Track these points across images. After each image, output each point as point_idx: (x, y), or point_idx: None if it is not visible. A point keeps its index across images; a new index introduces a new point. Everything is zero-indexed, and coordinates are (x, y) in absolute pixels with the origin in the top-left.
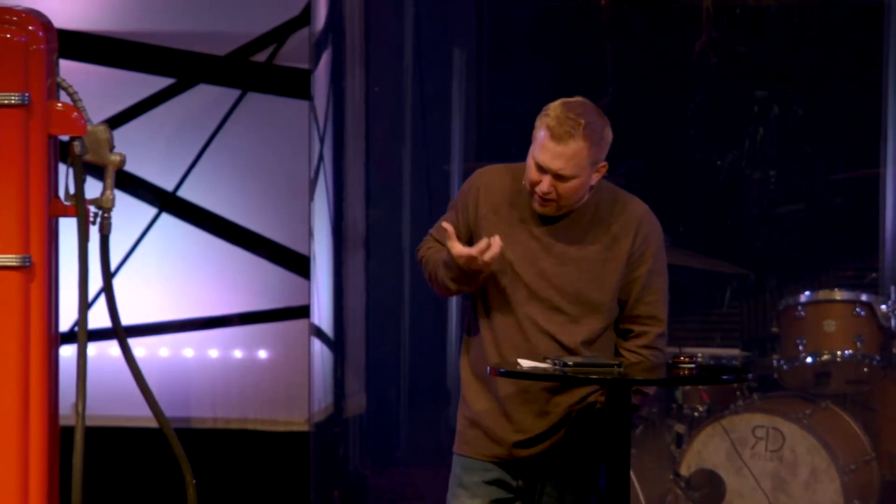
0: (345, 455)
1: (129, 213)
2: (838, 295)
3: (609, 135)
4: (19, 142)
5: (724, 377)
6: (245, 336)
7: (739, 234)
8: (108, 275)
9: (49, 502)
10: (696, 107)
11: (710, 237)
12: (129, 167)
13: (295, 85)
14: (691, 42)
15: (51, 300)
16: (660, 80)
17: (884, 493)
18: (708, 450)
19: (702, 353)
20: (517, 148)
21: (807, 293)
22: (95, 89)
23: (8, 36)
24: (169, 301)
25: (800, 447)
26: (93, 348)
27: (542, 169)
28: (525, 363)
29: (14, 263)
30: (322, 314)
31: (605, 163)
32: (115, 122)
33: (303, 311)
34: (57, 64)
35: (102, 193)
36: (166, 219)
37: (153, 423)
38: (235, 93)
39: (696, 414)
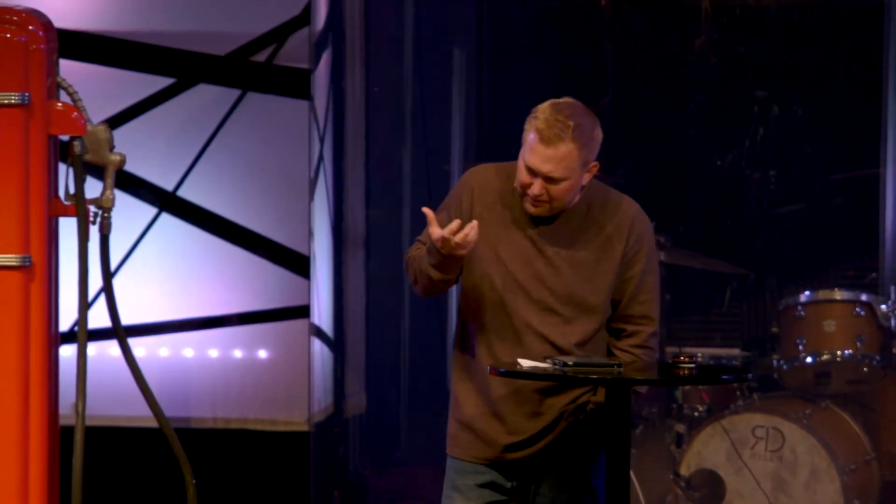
0: (345, 455)
1: (129, 213)
2: (838, 295)
3: (599, 134)
4: (19, 142)
5: (724, 377)
6: (245, 336)
7: (739, 234)
8: (108, 275)
9: (49, 502)
10: (696, 107)
11: (710, 237)
12: (129, 167)
13: (295, 85)
14: (691, 42)
15: (51, 300)
16: (660, 80)
17: (884, 493)
18: (708, 450)
19: (702, 353)
20: (517, 148)
21: (807, 293)
22: (95, 89)
23: (8, 36)
24: (169, 301)
25: (800, 447)
26: (93, 348)
27: (532, 172)
28: (525, 363)
29: (14, 263)
30: (322, 314)
31: (595, 163)
32: (115, 122)
33: (303, 311)
34: (57, 64)
35: (102, 193)
36: (166, 219)
37: (153, 423)
38: (235, 93)
39: (696, 414)
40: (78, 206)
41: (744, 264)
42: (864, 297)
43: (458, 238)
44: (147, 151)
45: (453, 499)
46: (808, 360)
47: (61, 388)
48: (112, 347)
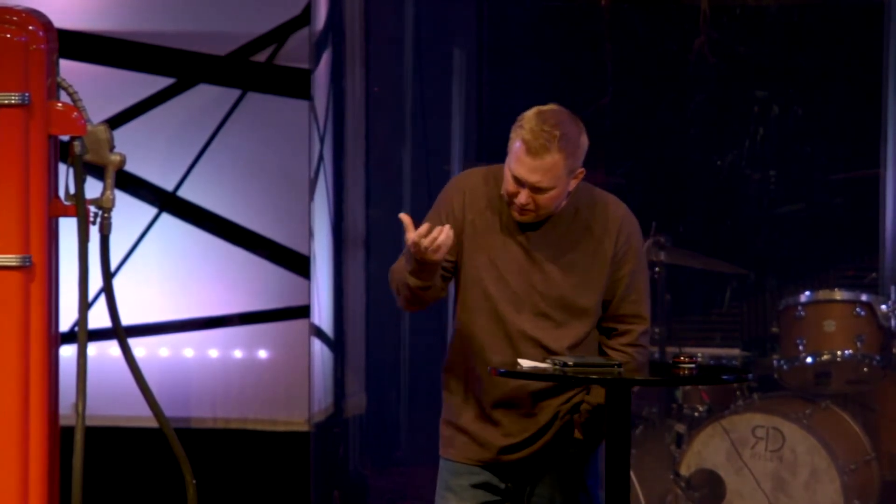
0: (345, 455)
1: (129, 213)
2: (838, 295)
3: (585, 141)
4: (19, 142)
5: (724, 377)
6: (245, 336)
7: (739, 234)
8: (108, 275)
9: (49, 502)
10: (696, 107)
11: (710, 237)
12: (129, 167)
13: (295, 85)
14: (691, 42)
15: (51, 300)
16: (660, 80)
17: (884, 493)
18: (708, 450)
19: (702, 353)
20: None
21: (807, 293)
22: (95, 89)
23: (8, 36)
24: (169, 301)
25: (800, 447)
26: (93, 348)
27: (519, 182)
28: (525, 363)
29: (14, 263)
30: (322, 314)
31: (582, 169)
32: (115, 122)
33: (303, 311)
34: (57, 64)
35: (102, 193)
36: (166, 219)
37: (153, 423)
38: (235, 93)
39: (696, 414)
40: (78, 207)
41: (744, 264)
42: (864, 297)
43: (426, 242)
44: (147, 151)
45: (447, 499)
46: (808, 360)
47: (61, 388)
48: (112, 347)
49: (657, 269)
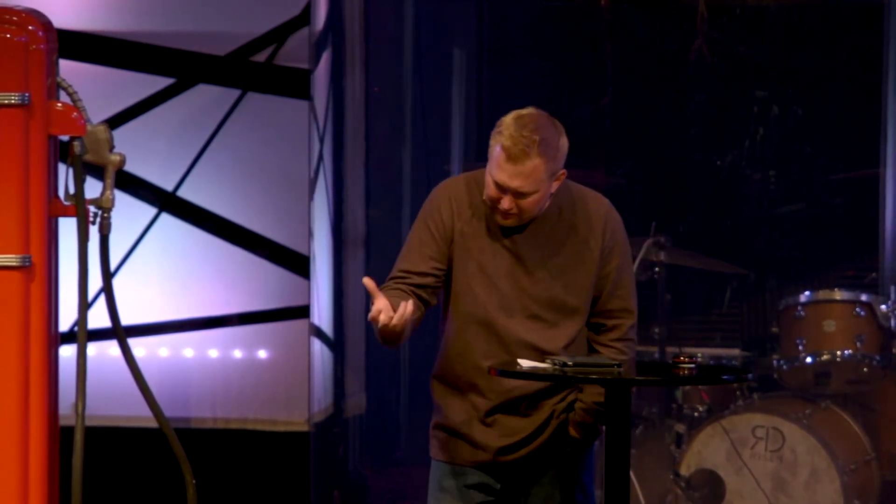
0: (345, 455)
1: (129, 213)
2: (838, 295)
3: (565, 143)
4: (19, 142)
5: (724, 377)
6: (245, 336)
7: (739, 234)
8: (107, 275)
9: (49, 502)
10: (696, 107)
11: (710, 237)
12: (129, 167)
13: (295, 85)
14: (691, 42)
15: (51, 300)
16: (660, 80)
17: (884, 493)
18: (708, 450)
19: (702, 353)
20: None
21: (807, 293)
22: (95, 89)
23: (8, 36)
24: (169, 301)
25: (800, 447)
26: (93, 348)
27: (501, 188)
28: (525, 363)
29: (14, 263)
30: (322, 314)
31: (563, 171)
32: (115, 122)
33: (303, 311)
34: (57, 64)
35: (102, 193)
36: (166, 219)
37: (153, 423)
38: (235, 93)
39: (696, 414)
40: (78, 207)
41: (744, 264)
42: (864, 297)
43: (384, 319)
44: (147, 151)
45: (442, 500)
46: (808, 360)
47: (61, 388)
48: (112, 347)
49: (657, 269)
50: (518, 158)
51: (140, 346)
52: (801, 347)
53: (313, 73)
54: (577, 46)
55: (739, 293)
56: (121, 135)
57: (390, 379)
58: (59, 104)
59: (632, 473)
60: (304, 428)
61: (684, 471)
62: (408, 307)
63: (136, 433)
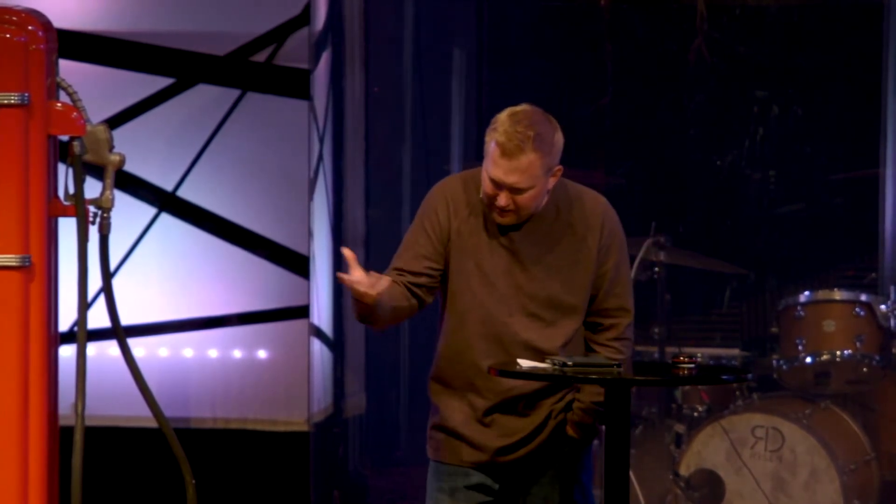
0: (345, 455)
1: (129, 213)
2: (838, 295)
3: (560, 139)
4: (19, 142)
5: (724, 377)
6: (245, 336)
7: (739, 234)
8: (107, 275)
9: (49, 502)
10: (696, 107)
11: (710, 237)
12: (129, 167)
13: (294, 85)
14: (691, 42)
15: (50, 300)
16: (660, 80)
17: (884, 493)
18: (708, 450)
19: (702, 353)
20: None
21: (807, 293)
22: (95, 89)
23: (8, 36)
24: (168, 301)
25: (799, 447)
26: (92, 348)
27: (497, 184)
28: (525, 363)
29: (14, 263)
30: (322, 314)
31: (559, 167)
32: (115, 122)
33: (303, 311)
34: (57, 64)
35: (102, 193)
36: (166, 219)
37: (153, 423)
38: (235, 93)
39: (695, 414)
40: (77, 207)
41: (744, 264)
42: (863, 298)
43: (361, 289)
44: (147, 151)
45: (440, 500)
46: (808, 360)
47: (61, 388)
48: (112, 347)
49: (657, 269)
50: (513, 154)
51: (140, 346)
52: (800, 347)
53: (313, 73)
54: (577, 46)
55: (739, 293)
56: (120, 135)
57: (390, 379)
58: (59, 104)
59: (631, 473)
60: (304, 428)
61: (684, 471)
62: (382, 281)
63: (136, 433)
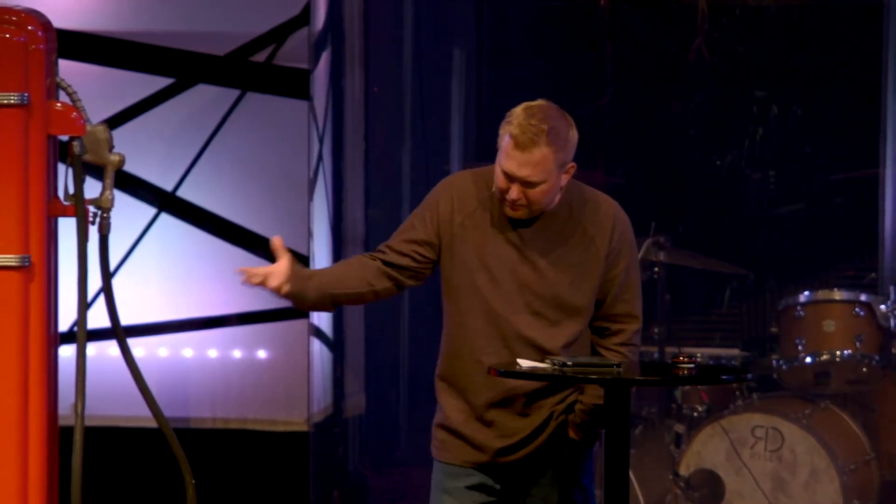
0: (344, 455)
1: (129, 213)
2: (838, 295)
3: (574, 135)
4: (19, 142)
5: (724, 377)
6: (244, 336)
7: (739, 234)
8: (107, 275)
9: (49, 502)
10: (696, 107)
11: (710, 237)
12: (129, 167)
13: (294, 85)
14: (691, 42)
15: (50, 300)
16: (660, 80)
17: (883, 493)
18: (707, 450)
19: (702, 353)
20: None
21: (806, 293)
22: (95, 89)
23: (7, 36)
24: (168, 301)
25: (799, 447)
26: (92, 348)
27: (509, 177)
28: (524, 363)
29: (13, 263)
30: (321, 314)
31: (573, 163)
32: (115, 122)
33: (302, 312)
34: (56, 64)
35: (102, 193)
36: (166, 219)
37: (153, 423)
38: (235, 93)
39: (695, 414)
40: (77, 207)
41: (744, 264)
42: (863, 298)
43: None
44: (146, 151)
45: (443, 501)
46: (808, 360)
47: (61, 388)
48: (111, 347)
49: (657, 269)
50: (526, 146)
51: (139, 346)
52: (800, 347)
53: (313, 73)
54: (577, 46)
55: (739, 293)
56: (120, 135)
57: (390, 379)
58: (59, 104)
59: (631, 473)
60: (304, 428)
61: (684, 471)
62: (309, 277)
63: (136, 433)
